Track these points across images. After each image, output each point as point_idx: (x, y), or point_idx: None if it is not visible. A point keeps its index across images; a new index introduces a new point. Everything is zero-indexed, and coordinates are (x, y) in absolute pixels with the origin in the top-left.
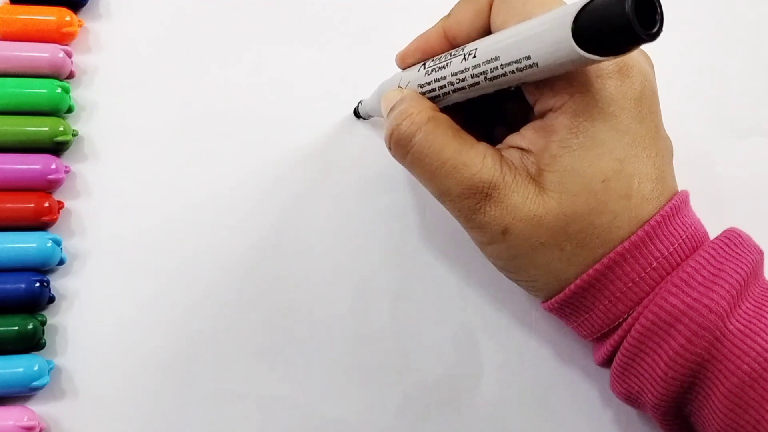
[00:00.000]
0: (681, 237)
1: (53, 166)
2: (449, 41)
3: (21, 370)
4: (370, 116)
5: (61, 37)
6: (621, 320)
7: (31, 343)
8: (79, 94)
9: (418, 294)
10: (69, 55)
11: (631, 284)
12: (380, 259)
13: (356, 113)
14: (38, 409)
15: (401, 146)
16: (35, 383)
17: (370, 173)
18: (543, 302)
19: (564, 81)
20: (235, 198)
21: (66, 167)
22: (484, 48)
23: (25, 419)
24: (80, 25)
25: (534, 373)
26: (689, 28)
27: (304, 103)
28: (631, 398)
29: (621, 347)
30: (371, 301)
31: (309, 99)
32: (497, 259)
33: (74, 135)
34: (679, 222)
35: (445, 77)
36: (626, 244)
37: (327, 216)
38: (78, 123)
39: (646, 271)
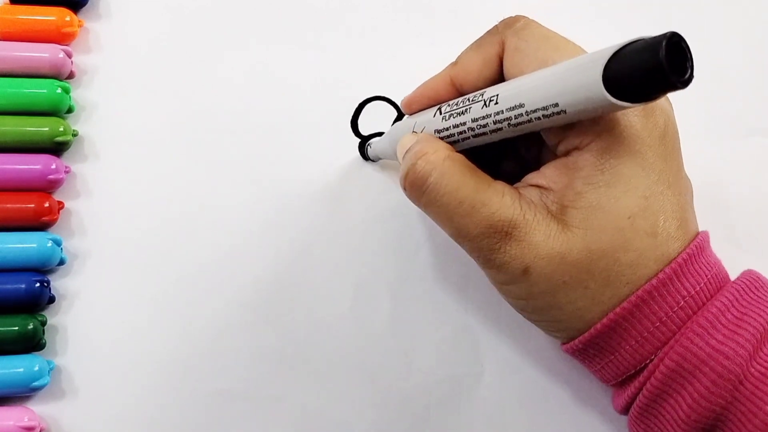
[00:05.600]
0: (706, 276)
1: (53, 166)
2: (456, 89)
3: (21, 370)
4: (379, 158)
5: (61, 37)
6: (647, 362)
7: (32, 343)
8: (79, 94)
9: (418, 294)
10: (69, 55)
11: (658, 323)
12: (380, 259)
13: (364, 155)
14: (38, 409)
15: (417, 186)
16: (35, 383)
17: (371, 173)
18: (564, 344)
19: (590, 121)
20: (234, 198)
21: (66, 167)
22: (507, 94)
23: (26, 419)
24: (80, 25)
25: (534, 373)
26: (689, 28)
27: (305, 104)
28: None
29: (644, 388)
30: (371, 301)
31: (310, 99)
32: (517, 299)
33: (74, 135)
34: (703, 261)
35: (464, 122)
36: (654, 281)
37: (327, 216)
38: (78, 123)
39: (674, 310)
